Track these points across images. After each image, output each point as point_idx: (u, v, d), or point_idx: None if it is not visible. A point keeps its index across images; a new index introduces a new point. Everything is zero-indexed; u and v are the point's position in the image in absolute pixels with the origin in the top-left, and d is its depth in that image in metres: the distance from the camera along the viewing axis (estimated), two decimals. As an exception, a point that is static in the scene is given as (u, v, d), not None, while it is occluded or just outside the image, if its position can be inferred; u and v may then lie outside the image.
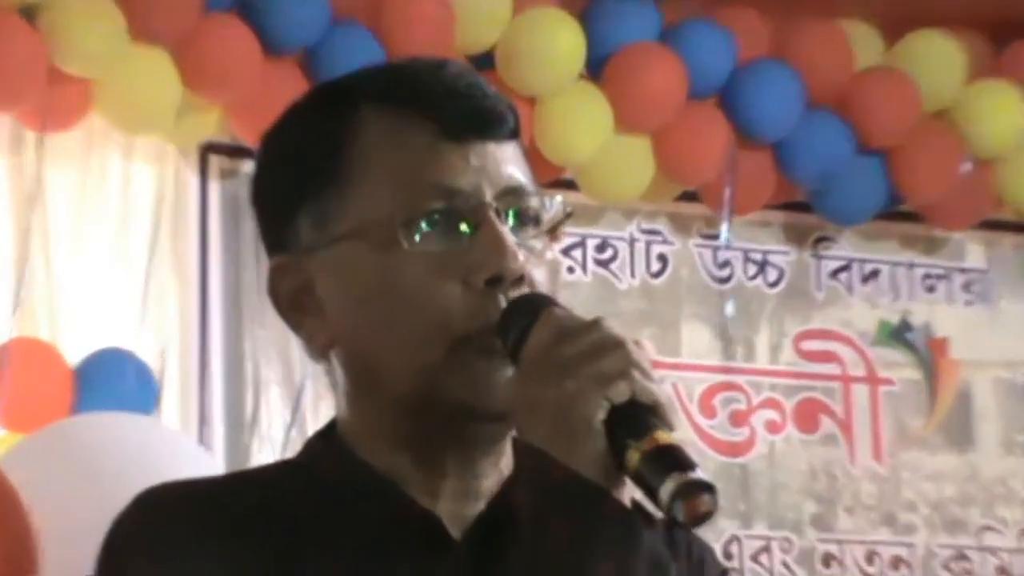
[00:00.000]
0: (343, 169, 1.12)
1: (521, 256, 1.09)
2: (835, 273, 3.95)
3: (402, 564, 1.08)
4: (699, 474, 0.98)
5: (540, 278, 1.11)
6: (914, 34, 3.75)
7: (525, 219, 1.12)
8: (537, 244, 1.12)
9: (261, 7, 3.26)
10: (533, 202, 1.12)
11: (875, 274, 3.96)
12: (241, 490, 1.11)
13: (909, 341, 3.95)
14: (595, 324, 1.03)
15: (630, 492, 1.01)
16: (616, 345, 1.02)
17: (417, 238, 1.09)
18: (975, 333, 3.96)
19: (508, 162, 1.13)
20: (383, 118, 1.12)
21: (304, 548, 1.07)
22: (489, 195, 1.10)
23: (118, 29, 3.11)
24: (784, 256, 3.93)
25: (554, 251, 1.12)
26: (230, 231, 3.44)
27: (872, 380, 3.91)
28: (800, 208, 3.85)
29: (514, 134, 1.14)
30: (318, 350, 1.14)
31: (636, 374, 1.01)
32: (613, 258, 3.79)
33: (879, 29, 3.76)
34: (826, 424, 3.87)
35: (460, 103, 1.11)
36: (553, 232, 1.12)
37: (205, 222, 3.44)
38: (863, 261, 3.96)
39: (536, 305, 1.08)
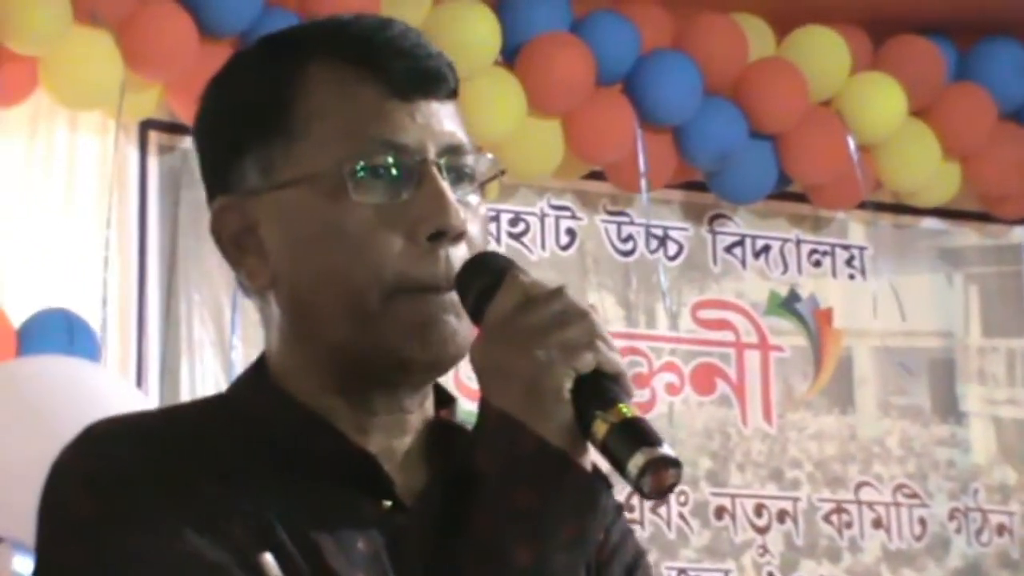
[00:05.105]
0: (291, 119, 1.11)
1: (462, 213, 1.09)
2: (729, 248, 4.04)
3: (346, 501, 1.07)
4: (666, 449, 0.97)
5: (476, 233, 1.11)
6: (802, 29, 3.88)
7: (462, 175, 1.12)
8: (473, 199, 1.12)
9: (198, -8, 3.28)
10: (469, 159, 1.12)
11: (766, 249, 4.05)
12: (179, 424, 1.11)
13: (797, 311, 4.04)
14: (559, 292, 1.03)
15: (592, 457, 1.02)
16: (580, 315, 1.01)
17: (362, 189, 1.09)
18: (856, 305, 4.08)
19: (449, 120, 1.13)
20: (332, 73, 1.12)
21: (246, 483, 1.06)
22: (432, 152, 1.10)
23: (63, 11, 3.16)
24: (683, 232, 4.00)
25: (485, 206, 1.12)
26: (167, 201, 3.50)
27: (763, 347, 4.00)
28: (698, 188, 3.94)
29: (454, 93, 1.14)
30: (257, 289, 1.13)
31: (600, 344, 1.01)
32: (525, 232, 3.84)
33: (770, 24, 3.89)
34: (721, 387, 3.95)
35: (407, 62, 1.11)
36: (483, 187, 1.13)
37: (144, 193, 3.48)
38: (755, 237, 4.05)
39: (499, 266, 1.06)
